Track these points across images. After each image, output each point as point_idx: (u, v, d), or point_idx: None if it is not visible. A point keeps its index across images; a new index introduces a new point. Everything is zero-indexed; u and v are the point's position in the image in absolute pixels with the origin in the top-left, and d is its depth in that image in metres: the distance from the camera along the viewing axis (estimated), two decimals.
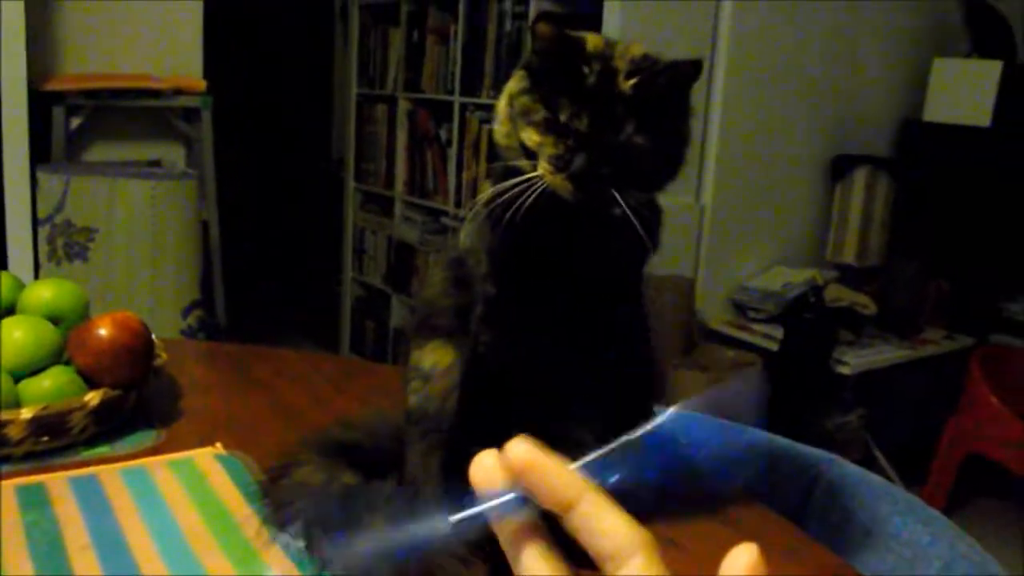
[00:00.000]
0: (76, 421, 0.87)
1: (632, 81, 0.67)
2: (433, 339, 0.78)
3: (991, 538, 2.47)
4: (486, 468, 0.33)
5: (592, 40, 0.71)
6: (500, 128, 0.72)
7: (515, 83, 0.71)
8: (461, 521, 0.33)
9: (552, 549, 0.33)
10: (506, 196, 0.68)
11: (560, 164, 0.67)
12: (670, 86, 0.69)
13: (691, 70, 0.68)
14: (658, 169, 0.70)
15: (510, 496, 0.33)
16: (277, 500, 0.73)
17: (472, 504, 0.33)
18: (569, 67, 0.68)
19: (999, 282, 3.20)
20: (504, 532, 0.34)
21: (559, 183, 0.67)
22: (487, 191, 0.72)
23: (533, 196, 0.67)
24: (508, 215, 0.69)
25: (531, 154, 0.69)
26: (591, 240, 0.71)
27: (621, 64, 0.68)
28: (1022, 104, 3.11)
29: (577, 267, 0.72)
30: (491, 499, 0.33)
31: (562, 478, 0.32)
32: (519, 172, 0.69)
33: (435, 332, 0.78)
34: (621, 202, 0.67)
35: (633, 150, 0.67)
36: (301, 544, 0.68)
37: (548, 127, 0.68)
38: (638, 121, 0.67)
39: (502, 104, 0.72)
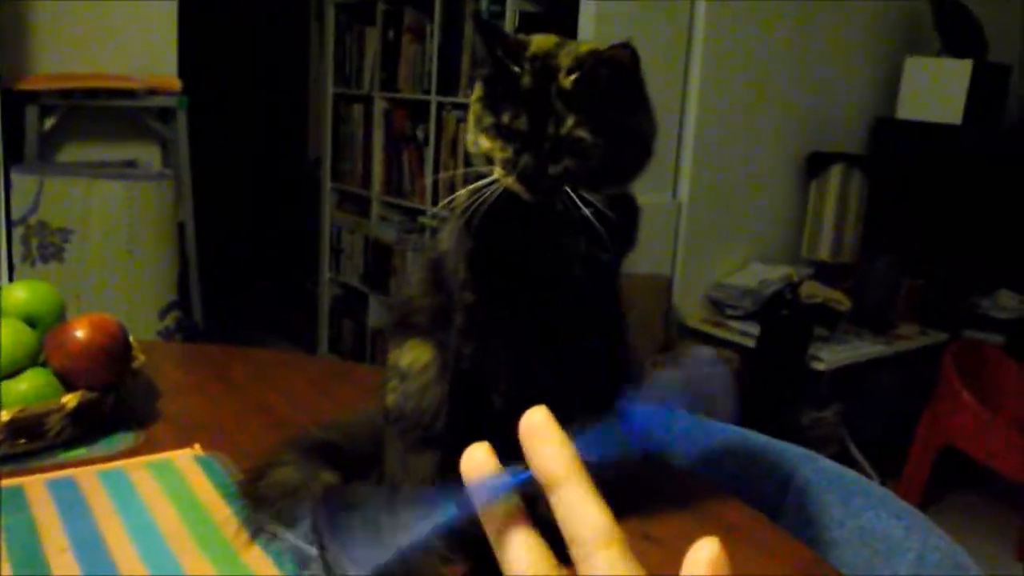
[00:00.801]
0: (53, 423, 0.87)
1: (572, 77, 0.68)
2: (411, 337, 0.79)
3: (965, 530, 2.50)
4: (477, 459, 0.34)
5: (538, 42, 0.71)
6: (469, 137, 0.74)
7: (474, 94, 0.73)
8: (460, 514, 0.34)
9: (538, 540, 0.34)
10: (475, 202, 0.70)
11: (508, 167, 0.68)
12: (612, 77, 0.68)
13: (627, 56, 0.68)
14: (614, 163, 0.70)
15: (500, 480, 0.34)
16: (256, 500, 0.73)
17: (460, 503, 0.34)
18: (506, 71, 0.69)
19: (972, 278, 3.24)
20: (491, 521, 0.34)
21: (510, 184, 0.68)
22: (462, 197, 0.73)
23: (492, 198, 0.69)
24: (476, 219, 0.70)
25: (487, 158, 0.70)
26: (561, 241, 0.71)
27: (565, 61, 0.69)
28: (993, 102, 3.16)
29: (551, 269, 0.73)
30: (481, 490, 0.34)
31: (562, 453, 0.33)
32: (482, 175, 0.71)
33: (413, 331, 0.79)
34: (576, 200, 0.67)
35: (579, 145, 0.67)
36: (311, 547, 0.68)
37: (496, 131, 0.69)
38: (580, 116, 0.67)
39: (470, 116, 0.74)
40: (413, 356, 0.78)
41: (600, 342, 0.77)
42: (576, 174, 0.68)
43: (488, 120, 0.70)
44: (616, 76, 0.69)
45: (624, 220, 0.72)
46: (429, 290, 0.79)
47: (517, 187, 0.68)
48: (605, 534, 0.32)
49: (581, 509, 0.32)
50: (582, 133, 0.67)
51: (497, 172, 0.69)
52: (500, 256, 0.73)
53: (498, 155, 0.69)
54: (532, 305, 0.73)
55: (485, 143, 0.70)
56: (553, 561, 0.33)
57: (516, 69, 0.69)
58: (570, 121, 0.67)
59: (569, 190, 0.67)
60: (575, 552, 0.32)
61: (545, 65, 0.69)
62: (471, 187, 0.70)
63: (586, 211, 0.67)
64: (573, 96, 0.67)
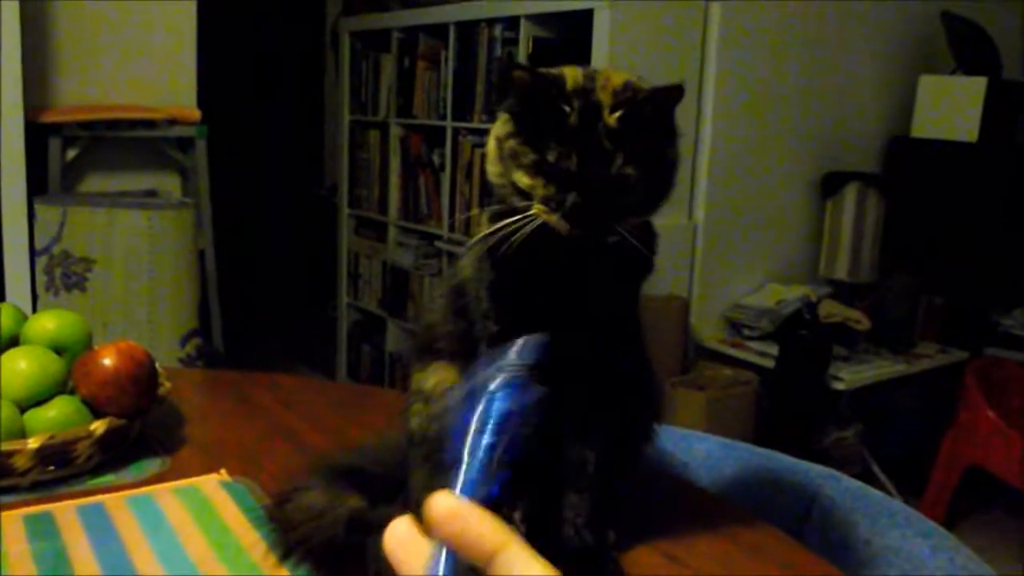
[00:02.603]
0: (82, 450, 0.88)
1: (617, 114, 0.68)
2: (434, 361, 0.79)
3: (990, 550, 2.48)
4: (400, 536, 0.34)
5: (572, 76, 0.71)
6: (492, 168, 0.73)
7: (501, 126, 0.72)
8: None
9: None
10: (502, 232, 0.69)
11: (553, 204, 0.68)
12: (655, 113, 0.69)
13: (673, 95, 0.69)
14: (650, 195, 0.71)
15: (442, 556, 0.32)
16: (284, 524, 0.73)
17: None
18: (551, 108, 0.68)
19: (991, 295, 3.22)
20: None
21: (554, 221, 0.68)
22: (484, 227, 0.73)
23: (529, 230, 0.68)
24: (505, 249, 0.70)
25: (525, 194, 0.69)
26: (588, 268, 0.72)
27: (604, 97, 0.69)
28: (1008, 119, 3.15)
29: (576, 295, 0.73)
30: (414, 566, 0.33)
31: (488, 526, 0.32)
32: (514, 208, 0.70)
33: (436, 355, 0.79)
34: (618, 231, 0.68)
35: (624, 181, 0.68)
36: None
37: (538, 169, 0.68)
38: (626, 152, 0.67)
39: (491, 145, 0.73)
40: (437, 379, 0.78)
41: (626, 367, 0.78)
42: (617, 207, 0.68)
43: (529, 158, 0.69)
44: (658, 113, 0.70)
45: (645, 246, 0.72)
46: (451, 316, 0.79)
47: (561, 224, 0.67)
48: None
49: (525, 573, 0.31)
50: (629, 170, 0.67)
51: (537, 208, 0.68)
52: (527, 284, 0.73)
53: (540, 192, 0.68)
54: (558, 330, 0.73)
55: (525, 180, 0.69)
56: None
57: (566, 108, 0.68)
58: (619, 159, 0.67)
59: (610, 222, 0.68)
60: None
61: (588, 102, 0.68)
62: (505, 222, 0.69)
63: (626, 236, 0.68)
64: (619, 133, 0.67)
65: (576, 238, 0.68)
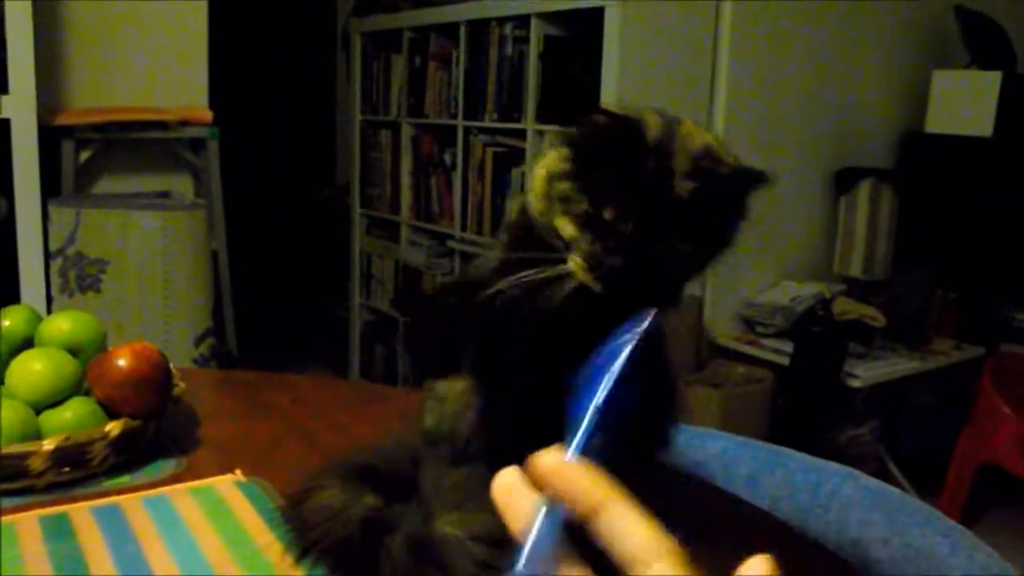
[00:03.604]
0: (97, 451, 0.88)
1: (691, 185, 0.60)
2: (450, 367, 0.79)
3: (1008, 548, 2.46)
4: (507, 485, 0.35)
5: (652, 124, 0.62)
6: (536, 204, 0.64)
7: (555, 162, 0.64)
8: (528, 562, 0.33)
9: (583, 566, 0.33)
10: (524, 283, 0.62)
11: (594, 264, 0.60)
12: (731, 195, 0.62)
13: (756, 180, 0.63)
14: (693, 270, 0.64)
15: (547, 511, 0.33)
16: (300, 524, 0.73)
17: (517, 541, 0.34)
18: (622, 160, 0.60)
19: (1007, 291, 3.20)
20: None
21: (589, 280, 0.61)
22: (495, 253, 0.67)
23: (560, 296, 0.61)
24: (523, 308, 0.63)
25: (567, 245, 0.62)
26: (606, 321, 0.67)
27: (681, 160, 0.60)
28: (1023, 114, 3.13)
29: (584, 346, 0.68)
30: (519, 515, 0.34)
31: (589, 483, 0.33)
32: (541, 246, 0.63)
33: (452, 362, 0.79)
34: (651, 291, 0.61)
35: (678, 258, 0.61)
36: None
37: (589, 222, 0.61)
38: (690, 228, 0.60)
39: (539, 177, 0.64)
40: (449, 381, 0.78)
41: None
42: (658, 275, 0.62)
43: (580, 207, 0.61)
44: (735, 195, 0.63)
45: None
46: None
47: (595, 284, 0.60)
48: (653, 548, 0.32)
49: (624, 529, 0.32)
50: (684, 246, 0.61)
51: (574, 264, 0.61)
52: (532, 342, 0.66)
53: (585, 248, 0.61)
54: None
55: (569, 230, 0.61)
56: None
57: (640, 165, 0.60)
58: (678, 234, 0.60)
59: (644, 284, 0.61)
60: (630, 573, 0.32)
61: (663, 163, 0.60)
62: (530, 274, 0.62)
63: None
64: (687, 206, 0.60)
65: (603, 295, 0.61)
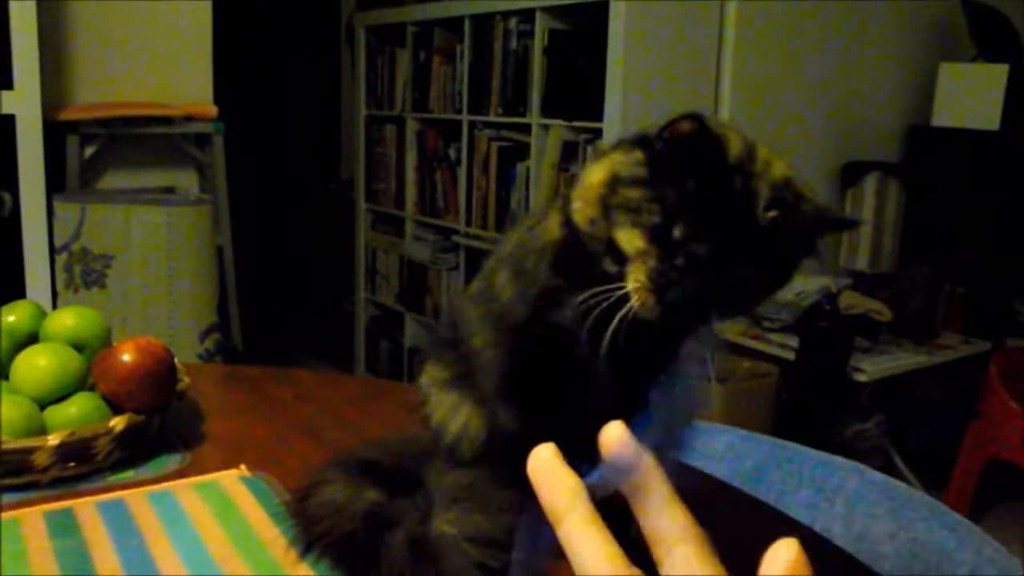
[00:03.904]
0: (102, 446, 0.88)
1: (772, 213, 0.56)
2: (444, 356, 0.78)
3: (1015, 543, 2.45)
4: (543, 461, 0.36)
5: (734, 143, 0.57)
6: (583, 209, 0.59)
7: (625, 164, 0.58)
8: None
9: (612, 539, 0.35)
10: (583, 306, 0.57)
11: (660, 284, 0.55)
12: (810, 233, 0.58)
13: (842, 225, 0.61)
14: (750, 302, 0.60)
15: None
16: (304, 519, 0.73)
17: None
18: (706, 175, 0.55)
19: (1014, 285, 3.19)
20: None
21: (648, 305, 0.55)
22: (541, 275, 0.62)
23: (621, 318, 0.55)
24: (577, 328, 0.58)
25: (619, 256, 0.57)
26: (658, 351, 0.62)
27: (762, 186, 0.56)
28: None
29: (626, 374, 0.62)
30: (555, 492, 0.35)
31: (642, 461, 0.35)
32: (598, 267, 0.58)
33: (445, 348, 0.78)
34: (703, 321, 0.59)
35: (743, 285, 0.57)
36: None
37: (655, 237, 0.55)
38: (761, 256, 0.56)
39: (594, 180, 0.58)
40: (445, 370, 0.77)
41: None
42: (717, 303, 0.58)
43: (652, 220, 0.55)
44: (812, 231, 0.59)
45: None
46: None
47: (654, 309, 0.55)
48: (683, 531, 0.34)
49: (661, 509, 0.34)
50: (754, 275, 0.57)
51: (635, 280, 0.56)
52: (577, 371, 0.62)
53: (651, 264, 0.55)
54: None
55: (637, 243, 0.56)
56: (626, 560, 0.34)
57: (727, 185, 0.56)
58: (750, 261, 0.56)
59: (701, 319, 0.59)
60: (656, 552, 0.34)
61: (746, 186, 0.56)
62: (594, 294, 0.57)
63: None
64: (764, 235, 0.56)
65: (657, 322, 0.57)
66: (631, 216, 0.56)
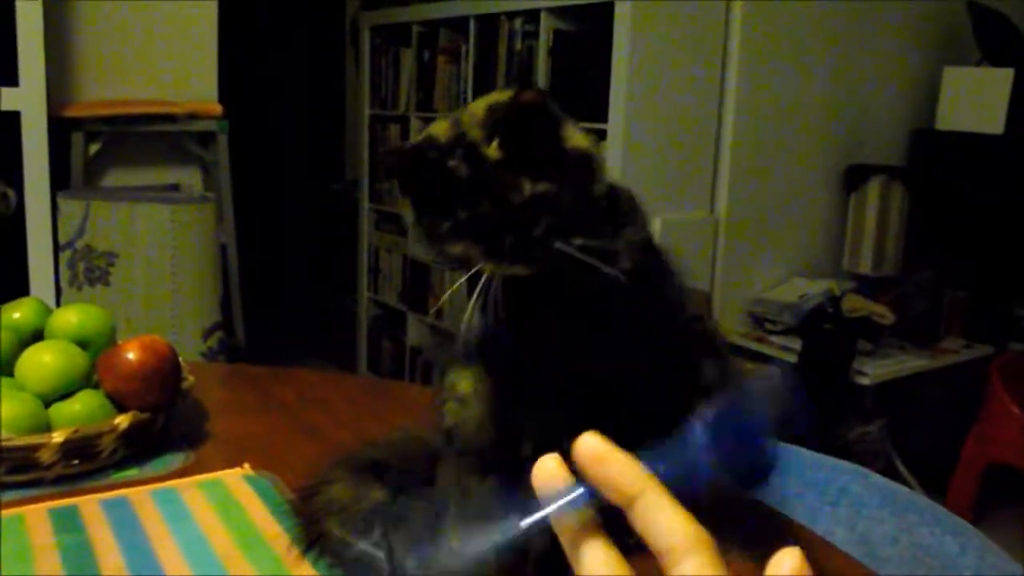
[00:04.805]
0: (106, 444, 0.88)
1: (494, 144, 0.64)
2: (469, 367, 0.78)
3: (1017, 548, 2.45)
4: (549, 470, 0.35)
5: (439, 130, 0.67)
6: (419, 250, 0.70)
7: (406, 211, 0.68)
8: (531, 523, 0.34)
9: (613, 547, 0.34)
10: (481, 294, 0.65)
11: (493, 255, 0.63)
12: (530, 123, 0.64)
13: (533, 97, 0.64)
14: (585, 203, 0.65)
15: (578, 492, 0.34)
16: (308, 518, 0.73)
17: (536, 509, 0.35)
18: (438, 172, 0.64)
19: (1016, 289, 3.18)
20: (566, 532, 0.35)
21: (508, 269, 0.64)
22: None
23: (498, 290, 0.64)
24: (490, 309, 0.65)
25: (463, 261, 0.65)
26: (575, 295, 0.68)
27: (476, 134, 0.64)
28: None
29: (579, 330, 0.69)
30: (554, 500, 0.34)
31: (628, 471, 0.34)
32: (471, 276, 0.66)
33: (471, 359, 0.78)
34: (569, 248, 0.63)
35: (544, 199, 0.63)
36: (378, 551, 0.68)
37: (458, 232, 0.64)
38: (528, 173, 0.63)
39: (412, 232, 0.70)
40: (472, 382, 0.77)
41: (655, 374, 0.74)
42: (558, 228, 0.63)
43: (445, 226, 0.64)
44: (534, 119, 0.64)
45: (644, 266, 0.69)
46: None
47: (516, 269, 0.64)
48: (688, 541, 0.33)
49: (660, 520, 0.33)
50: (541, 187, 0.63)
51: (486, 268, 0.64)
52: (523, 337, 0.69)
53: (475, 251, 0.64)
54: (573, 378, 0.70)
55: (455, 248, 0.64)
56: (628, 568, 0.34)
57: (452, 163, 0.63)
58: (526, 184, 0.62)
59: (560, 245, 0.63)
60: (664, 563, 0.33)
61: (464, 146, 0.64)
62: (466, 282, 0.66)
63: (570, 250, 0.63)
64: (509, 160, 0.63)
65: (545, 277, 0.64)
66: (435, 236, 0.65)
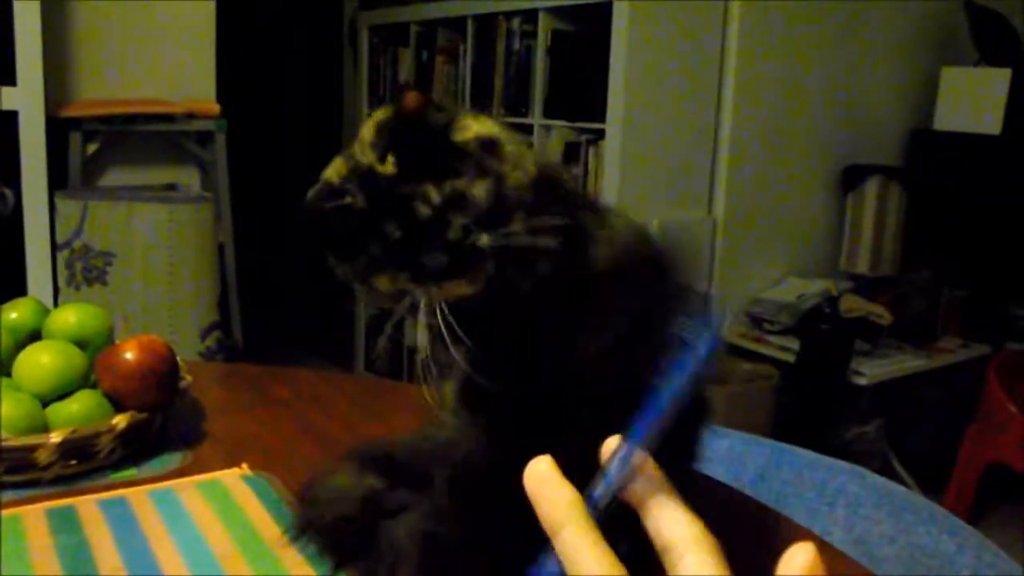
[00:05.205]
0: (104, 444, 0.88)
1: (389, 161, 0.60)
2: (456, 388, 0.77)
3: (1014, 547, 2.45)
4: (540, 474, 0.36)
5: (333, 169, 0.65)
6: (363, 296, 0.69)
7: (336, 266, 0.65)
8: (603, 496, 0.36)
9: (609, 550, 0.34)
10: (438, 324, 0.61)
11: (424, 276, 0.59)
12: (412, 128, 0.62)
13: (414, 99, 0.62)
14: (504, 189, 0.60)
15: (625, 448, 0.36)
16: (304, 504, 0.74)
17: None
18: (337, 213, 0.62)
19: (1014, 289, 3.19)
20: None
21: (450, 290, 0.59)
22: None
23: (446, 314, 0.59)
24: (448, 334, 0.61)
25: (397, 295, 0.62)
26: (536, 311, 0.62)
27: (367, 158, 0.62)
28: None
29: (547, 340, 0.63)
30: (551, 505, 0.35)
31: (648, 471, 0.35)
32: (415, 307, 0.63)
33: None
34: (502, 238, 0.58)
35: (456, 199, 0.58)
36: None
37: (379, 264, 0.60)
38: (430, 179, 0.59)
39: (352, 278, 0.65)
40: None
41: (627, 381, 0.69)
42: (478, 223, 0.59)
43: (362, 262, 0.61)
44: (415, 121, 0.62)
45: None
46: None
47: (453, 286, 0.59)
48: (693, 538, 0.33)
49: (670, 517, 0.34)
50: (447, 188, 0.59)
51: (422, 297, 0.60)
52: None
53: (401, 279, 0.60)
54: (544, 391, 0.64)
55: (383, 282, 0.61)
56: (624, 570, 0.34)
57: (348, 199, 0.61)
58: (430, 191, 0.58)
59: (489, 238, 0.58)
60: (666, 560, 0.33)
61: (360, 175, 0.62)
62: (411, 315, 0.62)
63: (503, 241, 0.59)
64: (405, 171, 0.60)
65: (498, 289, 0.59)
66: (360, 276, 0.63)
